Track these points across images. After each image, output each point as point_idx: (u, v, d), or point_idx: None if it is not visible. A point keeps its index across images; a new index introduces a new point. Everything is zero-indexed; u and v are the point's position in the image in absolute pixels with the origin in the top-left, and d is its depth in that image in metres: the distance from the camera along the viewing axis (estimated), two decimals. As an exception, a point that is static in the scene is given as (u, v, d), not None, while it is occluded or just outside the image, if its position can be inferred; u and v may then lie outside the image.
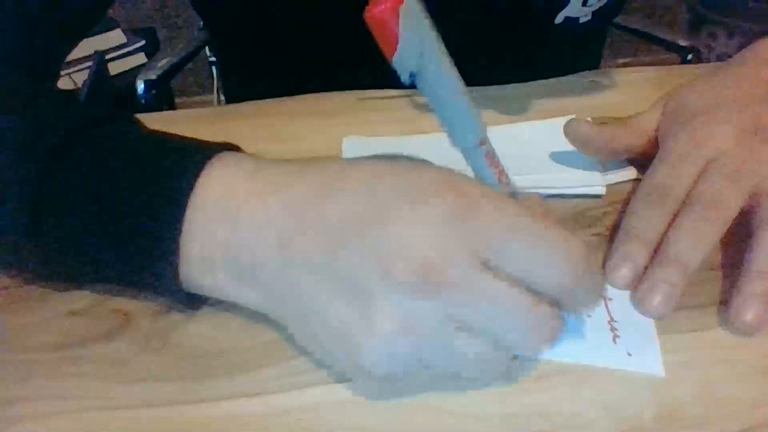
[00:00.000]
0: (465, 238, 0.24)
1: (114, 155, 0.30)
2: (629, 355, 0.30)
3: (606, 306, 0.32)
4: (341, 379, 0.29)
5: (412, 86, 0.26)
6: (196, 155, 0.29)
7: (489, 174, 0.28)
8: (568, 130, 0.41)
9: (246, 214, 0.28)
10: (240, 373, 0.29)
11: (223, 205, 0.28)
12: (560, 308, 0.27)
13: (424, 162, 0.27)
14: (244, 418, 0.27)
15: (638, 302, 0.32)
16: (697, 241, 0.32)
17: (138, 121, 0.33)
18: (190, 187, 0.28)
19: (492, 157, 0.28)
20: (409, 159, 0.28)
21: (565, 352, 0.30)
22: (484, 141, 0.27)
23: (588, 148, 0.41)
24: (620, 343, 0.30)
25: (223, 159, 0.29)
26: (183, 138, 0.31)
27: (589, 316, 0.31)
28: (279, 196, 0.27)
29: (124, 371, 0.29)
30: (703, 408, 0.27)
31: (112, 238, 0.29)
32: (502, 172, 0.28)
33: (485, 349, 0.26)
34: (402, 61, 0.24)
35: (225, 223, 0.28)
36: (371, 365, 0.25)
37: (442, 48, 0.25)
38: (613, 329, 0.31)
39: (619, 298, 0.32)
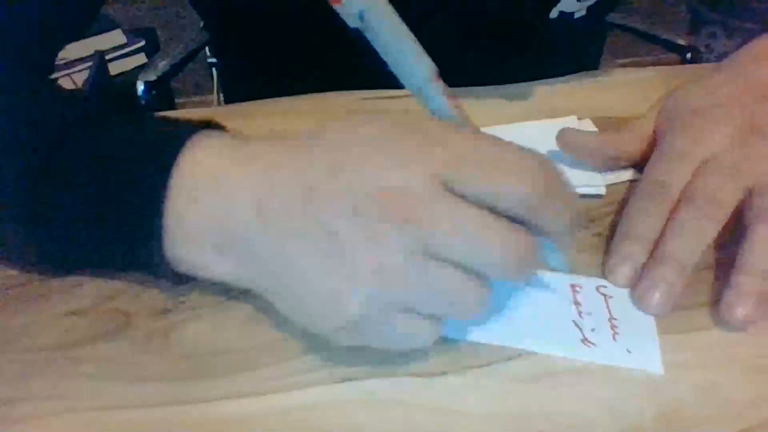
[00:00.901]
0: (424, 166, 0.25)
1: (104, 144, 0.30)
2: (629, 352, 0.30)
3: (606, 303, 0.32)
4: (341, 379, 0.29)
5: (362, 36, 0.26)
6: (174, 138, 0.30)
7: (444, 106, 0.28)
8: (564, 141, 0.41)
9: (226, 184, 0.28)
10: (240, 373, 0.29)
11: (203, 177, 0.29)
12: (535, 232, 0.27)
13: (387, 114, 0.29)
14: (244, 418, 0.27)
15: (638, 300, 0.32)
16: (694, 239, 0.32)
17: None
18: (171, 165, 0.29)
19: (446, 90, 0.28)
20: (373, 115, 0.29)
21: (565, 349, 0.30)
22: (436, 77, 0.28)
23: (586, 158, 0.41)
24: (620, 340, 0.30)
25: (204, 135, 0.30)
26: (165, 117, 0.32)
27: (590, 313, 0.32)
28: (256, 164, 0.28)
29: (124, 371, 0.29)
30: (703, 408, 0.27)
31: (101, 222, 0.30)
32: (458, 104, 0.28)
33: (459, 277, 0.26)
34: (347, 5, 0.25)
35: (207, 194, 0.29)
36: (350, 308, 0.25)
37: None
38: (613, 327, 0.31)
39: (619, 295, 0.33)
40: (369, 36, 0.26)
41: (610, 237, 0.36)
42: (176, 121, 0.32)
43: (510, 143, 0.27)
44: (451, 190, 0.25)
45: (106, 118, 0.32)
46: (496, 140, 0.27)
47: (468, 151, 0.26)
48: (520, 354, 0.30)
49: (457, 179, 0.25)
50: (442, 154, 0.26)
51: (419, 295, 0.26)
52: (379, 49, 0.27)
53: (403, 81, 0.28)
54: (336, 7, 0.25)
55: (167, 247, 0.29)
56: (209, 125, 0.31)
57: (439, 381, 0.29)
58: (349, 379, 0.29)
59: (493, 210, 0.26)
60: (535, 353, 0.30)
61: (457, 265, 0.26)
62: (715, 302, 0.32)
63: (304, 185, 0.27)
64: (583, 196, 0.40)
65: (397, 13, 0.26)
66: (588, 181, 0.40)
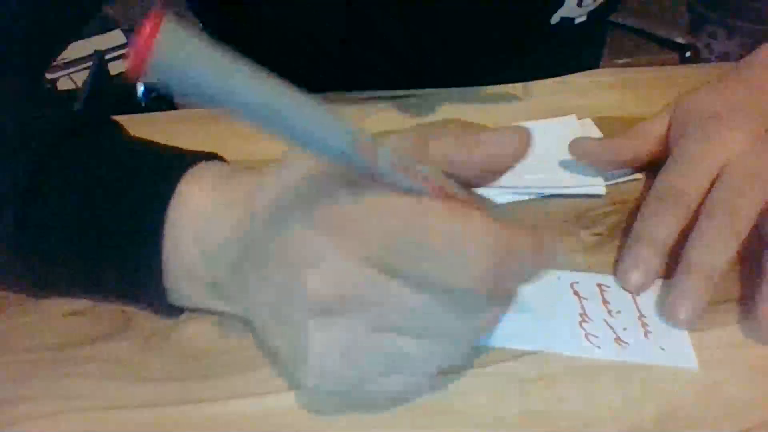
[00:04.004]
0: (357, 259, 0.23)
1: (91, 171, 0.30)
2: (662, 349, 0.30)
3: (635, 302, 0.32)
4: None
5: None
6: (169, 173, 0.29)
7: (384, 169, 0.22)
8: (574, 149, 0.40)
9: (209, 234, 0.28)
10: (240, 373, 0.29)
11: (192, 222, 0.28)
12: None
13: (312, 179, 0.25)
14: (244, 418, 0.27)
15: (668, 312, 0.31)
16: (721, 250, 0.31)
17: (116, 124, 0.33)
18: (166, 205, 0.28)
19: (372, 149, 0.22)
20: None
21: (599, 351, 0.30)
22: (355, 138, 0.21)
23: (595, 164, 0.41)
24: (652, 338, 0.30)
25: (195, 173, 0.29)
26: (158, 148, 0.31)
27: (619, 311, 0.32)
28: (230, 213, 0.28)
29: (124, 371, 0.29)
30: (703, 408, 0.27)
31: (92, 258, 0.29)
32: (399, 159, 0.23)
33: (426, 344, 0.25)
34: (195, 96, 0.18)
35: (195, 242, 0.28)
36: (315, 384, 0.25)
37: (249, 67, 0.19)
38: (644, 325, 0.31)
39: (646, 293, 0.33)
40: (263, 124, 0.19)
41: (609, 237, 0.36)
42: (167, 154, 0.31)
43: (459, 209, 0.23)
44: (387, 270, 0.23)
45: (95, 136, 0.31)
46: (442, 210, 0.23)
47: (391, 230, 0.23)
48: (520, 354, 0.30)
49: (391, 263, 0.23)
50: (369, 240, 0.23)
51: (385, 364, 0.25)
52: (278, 132, 0.20)
53: (320, 152, 0.21)
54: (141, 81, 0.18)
55: (166, 287, 0.29)
56: (206, 156, 0.31)
57: (439, 381, 0.29)
58: (349, 379, 0.29)
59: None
60: (535, 353, 0.30)
61: (420, 334, 0.25)
62: (717, 303, 0.32)
63: (262, 268, 0.26)
64: (583, 196, 0.40)
65: (281, 86, 0.19)
66: (588, 181, 0.40)
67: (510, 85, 0.52)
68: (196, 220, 0.28)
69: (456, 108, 0.48)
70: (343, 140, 0.21)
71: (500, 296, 0.25)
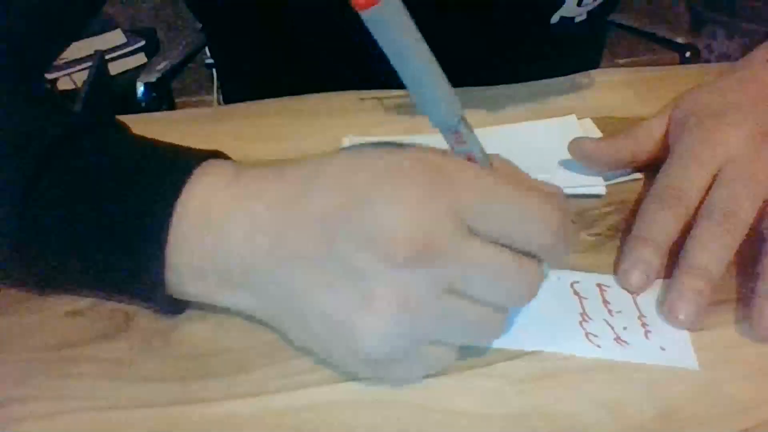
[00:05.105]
0: (446, 209, 0.25)
1: (96, 168, 0.30)
2: (662, 349, 0.30)
3: (635, 302, 0.32)
4: (341, 379, 0.29)
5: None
6: (177, 168, 0.29)
7: (475, 145, 0.28)
8: (573, 149, 0.41)
9: (232, 222, 0.28)
10: (240, 373, 0.29)
11: (207, 215, 0.28)
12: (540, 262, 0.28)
13: (400, 145, 0.28)
14: (245, 418, 0.27)
15: (667, 312, 0.31)
16: (720, 251, 0.32)
17: (121, 125, 0.33)
18: (174, 200, 0.28)
19: (462, 134, 0.27)
20: (386, 144, 0.28)
21: (599, 351, 0.30)
22: (459, 121, 0.27)
23: (595, 164, 0.41)
24: (652, 338, 0.30)
25: (205, 169, 0.29)
26: (165, 146, 0.31)
27: (620, 311, 0.32)
28: (261, 200, 0.28)
29: (124, 371, 0.29)
30: (703, 408, 0.27)
31: (97, 254, 0.29)
32: (471, 156, 0.28)
33: (480, 310, 0.27)
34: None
35: (211, 233, 0.28)
36: (373, 347, 0.25)
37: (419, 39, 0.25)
38: (644, 324, 0.31)
39: (646, 293, 0.33)
40: (394, 63, 0.24)
41: (609, 237, 0.36)
42: (174, 151, 0.31)
43: (529, 181, 0.28)
44: (471, 229, 0.25)
45: (95, 134, 0.31)
46: (516, 179, 0.27)
47: (486, 194, 0.26)
48: (520, 354, 0.30)
49: (479, 222, 0.26)
50: (462, 199, 0.25)
51: (440, 330, 0.27)
52: (406, 81, 0.25)
53: (429, 115, 0.26)
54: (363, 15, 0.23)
55: (169, 282, 0.29)
56: (214, 155, 0.30)
57: (440, 381, 0.29)
58: (349, 380, 0.29)
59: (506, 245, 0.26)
60: (535, 353, 0.30)
61: (478, 299, 0.26)
62: (716, 302, 0.32)
63: (318, 223, 0.26)
64: (583, 196, 0.40)
65: (424, 41, 0.24)
66: (588, 181, 0.40)
67: (510, 85, 0.52)
68: (209, 217, 0.28)
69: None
70: (459, 112, 0.26)
71: (556, 255, 0.28)
